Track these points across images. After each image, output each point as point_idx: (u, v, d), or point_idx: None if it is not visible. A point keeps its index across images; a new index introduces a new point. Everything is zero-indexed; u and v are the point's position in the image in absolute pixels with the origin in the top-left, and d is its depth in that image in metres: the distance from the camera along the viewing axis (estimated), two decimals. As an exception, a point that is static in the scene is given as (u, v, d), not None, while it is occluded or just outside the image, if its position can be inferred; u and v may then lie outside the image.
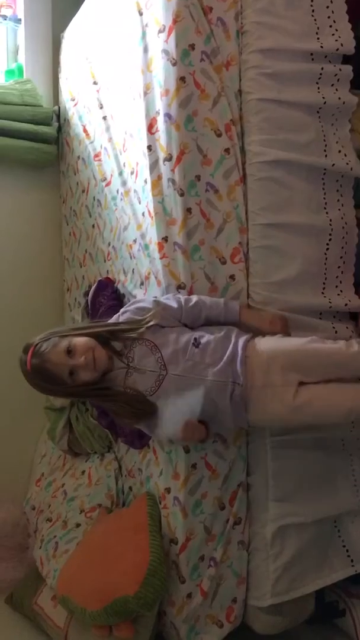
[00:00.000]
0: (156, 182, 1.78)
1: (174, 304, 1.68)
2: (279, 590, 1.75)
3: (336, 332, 1.80)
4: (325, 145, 1.84)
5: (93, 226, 2.34)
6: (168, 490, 1.79)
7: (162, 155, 1.78)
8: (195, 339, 1.63)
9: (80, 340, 1.63)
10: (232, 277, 1.76)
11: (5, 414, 2.63)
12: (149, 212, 1.83)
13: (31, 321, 2.68)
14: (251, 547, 1.80)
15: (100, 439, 2.16)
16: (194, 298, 1.69)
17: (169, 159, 1.75)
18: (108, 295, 2.15)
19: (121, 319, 1.71)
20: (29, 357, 1.62)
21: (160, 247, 1.77)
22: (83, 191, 2.42)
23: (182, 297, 1.70)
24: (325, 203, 1.84)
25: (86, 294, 2.30)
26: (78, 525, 2.08)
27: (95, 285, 2.23)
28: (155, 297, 1.75)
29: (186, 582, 1.74)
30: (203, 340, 1.62)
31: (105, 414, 2.07)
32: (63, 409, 2.29)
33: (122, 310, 1.74)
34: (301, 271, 1.78)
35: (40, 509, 2.33)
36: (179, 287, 1.74)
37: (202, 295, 1.71)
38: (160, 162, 1.78)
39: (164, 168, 1.77)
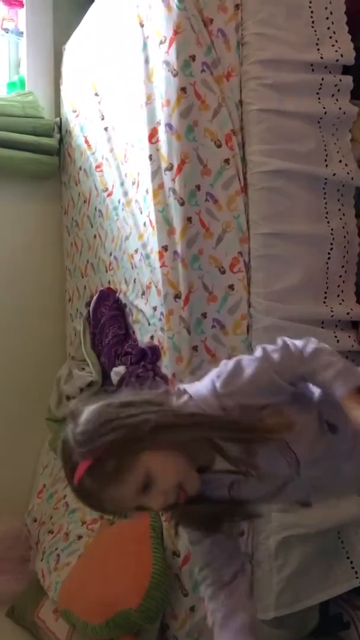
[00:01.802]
0: (157, 191, 1.79)
1: (292, 359, 1.12)
2: (283, 603, 1.73)
3: (338, 341, 1.79)
4: (326, 155, 1.85)
5: (95, 236, 2.35)
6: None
7: (163, 164, 1.78)
8: (326, 421, 1.14)
9: (165, 469, 1.04)
10: (231, 286, 1.76)
11: (7, 425, 2.62)
12: (150, 221, 1.84)
13: (33, 331, 2.69)
14: (255, 558, 1.78)
15: (102, 449, 2.15)
16: (313, 343, 1.14)
17: (169, 168, 1.76)
18: (110, 305, 2.15)
19: (227, 401, 1.08)
20: (80, 472, 1.02)
21: (161, 255, 1.77)
22: (85, 202, 2.43)
23: (295, 341, 1.15)
24: (327, 212, 1.84)
25: (88, 304, 2.31)
26: (80, 537, 2.07)
27: (97, 295, 2.24)
28: (264, 347, 1.14)
29: (189, 595, 1.72)
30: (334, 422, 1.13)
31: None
32: (64, 420, 2.27)
33: (223, 377, 1.10)
34: (303, 280, 1.77)
35: (42, 520, 2.32)
36: (176, 297, 1.74)
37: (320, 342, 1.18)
38: (162, 171, 1.79)
39: (165, 177, 1.78)
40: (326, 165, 1.83)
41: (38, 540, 2.27)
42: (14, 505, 2.51)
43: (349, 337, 1.82)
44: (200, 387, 1.14)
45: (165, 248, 1.78)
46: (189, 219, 1.75)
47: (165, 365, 1.84)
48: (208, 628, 1.75)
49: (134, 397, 1.09)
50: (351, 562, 1.83)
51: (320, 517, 1.73)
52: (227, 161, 1.77)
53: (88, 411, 1.07)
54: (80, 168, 2.48)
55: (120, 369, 2.01)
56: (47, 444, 2.51)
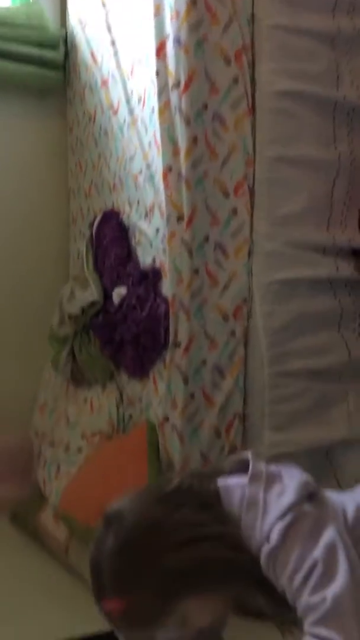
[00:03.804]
0: (163, 109, 1.76)
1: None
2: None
3: (337, 269, 1.81)
4: (338, 77, 1.80)
5: (99, 156, 2.32)
6: (167, 418, 1.85)
7: (170, 81, 1.74)
8: None
9: (205, 611, 0.98)
10: (234, 210, 1.76)
11: (11, 343, 2.67)
12: (156, 141, 1.82)
13: (36, 252, 2.70)
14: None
15: (103, 368, 2.21)
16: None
17: (177, 85, 1.72)
18: (113, 227, 2.16)
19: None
20: (109, 608, 0.96)
21: (165, 176, 1.76)
22: (90, 120, 2.38)
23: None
24: (335, 137, 1.81)
25: (91, 225, 2.31)
26: (80, 449, 2.16)
27: (100, 216, 2.24)
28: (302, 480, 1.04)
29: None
30: None
31: (109, 343, 2.12)
32: (67, 339, 2.33)
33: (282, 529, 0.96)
34: (306, 206, 1.77)
35: (44, 434, 2.41)
36: (179, 219, 1.74)
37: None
38: (169, 88, 1.75)
39: (172, 95, 1.74)
40: (337, 88, 1.78)
41: (40, 452, 2.37)
42: (17, 420, 2.60)
43: (349, 265, 1.83)
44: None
45: (169, 169, 1.77)
46: (195, 140, 1.73)
47: (166, 287, 1.87)
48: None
49: (194, 517, 0.98)
50: (338, 482, 1.92)
51: (310, 436, 1.80)
52: (235, 80, 1.72)
53: (131, 530, 0.97)
54: (85, 84, 2.41)
55: (121, 290, 2.04)
56: (49, 362, 2.57)
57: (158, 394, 1.90)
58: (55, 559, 2.04)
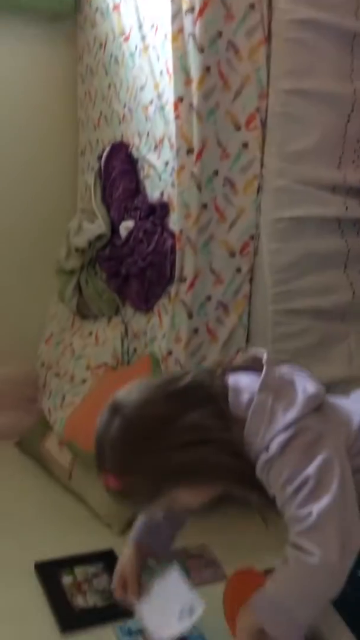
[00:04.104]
0: (176, 36, 1.70)
1: None
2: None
3: (347, 208, 1.79)
4: (358, 7, 1.73)
5: (109, 86, 2.26)
6: (170, 352, 1.88)
7: (184, 6, 1.68)
8: None
9: (192, 498, 1.11)
10: (245, 144, 1.73)
11: (18, 276, 2.69)
12: (167, 69, 1.77)
13: (44, 184, 2.68)
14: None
15: (108, 302, 2.23)
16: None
17: (191, 10, 1.66)
18: (121, 159, 2.13)
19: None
20: (107, 483, 1.10)
21: (176, 107, 1.73)
22: (100, 47, 2.31)
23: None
24: (352, 71, 1.76)
25: (100, 157, 2.28)
26: (84, 380, 2.21)
27: (108, 148, 2.20)
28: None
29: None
30: None
31: (115, 277, 2.13)
32: (73, 272, 2.34)
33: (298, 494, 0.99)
34: (319, 142, 1.74)
35: (50, 365, 2.46)
36: (189, 151, 1.72)
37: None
38: (183, 13, 1.69)
39: (186, 20, 1.68)
40: (356, 18, 1.72)
41: (45, 383, 2.43)
42: (24, 351, 2.64)
43: (358, 205, 1.82)
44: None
45: (180, 99, 1.73)
46: (208, 69, 1.68)
47: (174, 221, 1.86)
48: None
49: (200, 421, 1.03)
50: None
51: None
52: (252, 6, 1.66)
53: (137, 421, 1.04)
54: (96, 9, 2.33)
55: (128, 224, 2.03)
56: (55, 295, 2.59)
57: (162, 328, 1.92)
58: (59, 483, 2.12)
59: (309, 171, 1.75)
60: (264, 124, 1.74)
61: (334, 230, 1.82)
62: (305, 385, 1.08)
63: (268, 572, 1.18)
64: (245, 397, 1.06)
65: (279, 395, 1.05)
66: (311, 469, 0.96)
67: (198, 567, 1.74)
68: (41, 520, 1.95)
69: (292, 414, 1.02)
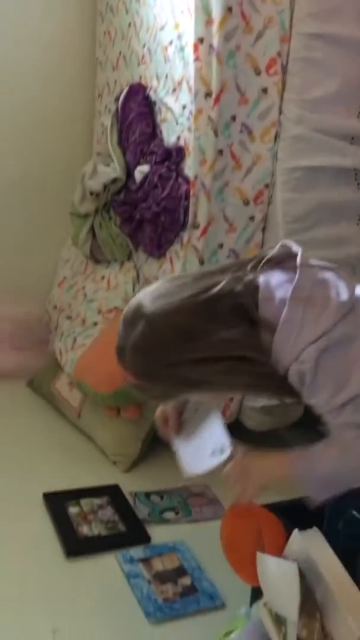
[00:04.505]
0: (198, -27, 1.66)
1: None
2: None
3: (365, 159, 1.77)
4: None
5: (129, 25, 2.21)
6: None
7: None
8: None
9: (206, 401, 1.20)
10: (264, 90, 1.71)
11: (33, 219, 2.70)
12: (189, 9, 1.73)
13: (60, 127, 2.65)
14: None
15: (121, 246, 2.24)
16: None
17: None
18: (139, 102, 2.10)
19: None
20: (125, 378, 1.14)
21: (196, 48, 1.70)
22: (121, -17, 2.26)
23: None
24: (378, 16, 1.72)
25: (117, 99, 2.25)
26: (95, 323, 2.24)
27: (126, 90, 2.18)
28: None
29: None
30: None
31: (129, 221, 2.13)
32: (87, 216, 2.34)
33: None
34: (339, 90, 1.70)
35: (62, 308, 2.50)
36: (207, 95, 1.69)
37: None
38: None
39: None
40: None
41: (57, 325, 2.47)
42: (37, 293, 2.68)
43: (376, 156, 1.79)
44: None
45: (201, 40, 1.70)
46: (230, 9, 1.64)
47: (189, 167, 1.85)
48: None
49: (226, 334, 1.01)
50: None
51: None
52: None
53: (155, 329, 1.02)
54: None
55: (144, 168, 2.02)
56: (69, 239, 2.61)
57: (174, 273, 1.94)
58: (68, 422, 2.19)
59: (328, 120, 1.72)
60: (284, 69, 1.71)
61: (350, 181, 1.80)
62: (338, 290, 1.05)
63: (265, 506, 1.24)
64: (275, 302, 1.03)
65: (310, 302, 1.02)
66: (356, 385, 0.99)
67: (199, 504, 1.81)
68: (51, 456, 2.02)
69: (323, 325, 1.01)
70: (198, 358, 1.03)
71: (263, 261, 1.10)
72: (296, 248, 1.12)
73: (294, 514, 1.22)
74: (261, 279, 1.07)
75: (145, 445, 1.99)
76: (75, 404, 2.15)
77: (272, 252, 1.12)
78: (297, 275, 1.05)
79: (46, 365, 2.40)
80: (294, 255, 1.10)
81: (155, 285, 1.11)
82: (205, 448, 1.22)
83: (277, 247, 1.14)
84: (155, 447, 2.02)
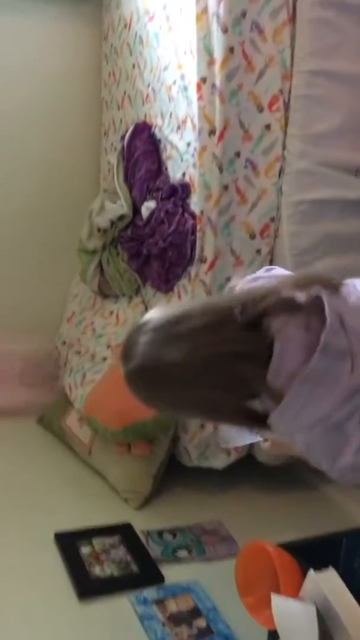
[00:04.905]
0: (201, 16, 1.71)
1: None
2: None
3: (369, 191, 1.79)
4: (384, -14, 1.71)
5: (133, 66, 2.27)
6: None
7: (209, -14, 1.68)
8: None
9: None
10: (267, 126, 1.73)
11: (42, 255, 2.73)
12: (191, 50, 1.77)
13: (68, 164, 2.70)
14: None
15: (129, 282, 2.25)
16: None
17: (215, -10, 1.66)
18: (144, 140, 2.14)
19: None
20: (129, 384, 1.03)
21: (199, 87, 1.73)
22: (125, 26, 2.31)
23: None
24: (377, 52, 1.75)
25: (123, 137, 2.29)
26: (104, 359, 2.24)
27: (132, 128, 2.22)
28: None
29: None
30: None
31: (136, 257, 2.15)
32: (95, 252, 2.37)
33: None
34: (342, 124, 1.73)
35: (71, 343, 2.50)
36: (211, 132, 1.72)
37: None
38: (207, -7, 1.69)
39: (210, 1, 1.68)
40: (383, -3, 1.70)
41: (67, 360, 2.47)
42: (46, 329, 2.69)
43: (381, 187, 1.81)
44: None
45: (204, 80, 1.74)
46: (231, 50, 1.68)
47: (195, 202, 1.87)
48: (214, 443, 1.96)
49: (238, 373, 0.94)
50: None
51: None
52: (277, -14, 1.65)
53: (169, 364, 0.95)
54: (122, -12, 2.33)
55: (150, 204, 2.05)
56: (77, 275, 2.63)
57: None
58: (79, 458, 2.17)
59: (332, 153, 1.75)
60: (287, 105, 1.74)
61: (356, 213, 1.82)
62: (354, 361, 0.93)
63: (280, 545, 1.21)
64: (283, 376, 0.93)
65: (320, 383, 0.93)
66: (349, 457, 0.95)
67: (213, 542, 1.78)
68: (61, 494, 2.00)
69: (324, 407, 0.95)
70: (207, 387, 0.97)
71: (284, 305, 0.96)
72: (325, 295, 0.96)
73: (309, 553, 1.20)
74: (278, 338, 0.94)
75: (157, 482, 1.97)
76: (85, 440, 2.14)
77: (299, 295, 0.98)
78: (316, 356, 0.92)
79: (56, 401, 2.40)
80: (319, 302, 0.95)
81: (183, 312, 1.00)
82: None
83: (308, 293, 0.98)
84: (166, 483, 2.01)
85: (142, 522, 1.84)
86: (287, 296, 0.97)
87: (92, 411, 2.05)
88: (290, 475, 2.07)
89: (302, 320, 0.95)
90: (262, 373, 0.93)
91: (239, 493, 2.01)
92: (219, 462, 1.97)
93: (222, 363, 0.95)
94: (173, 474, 2.03)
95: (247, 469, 2.01)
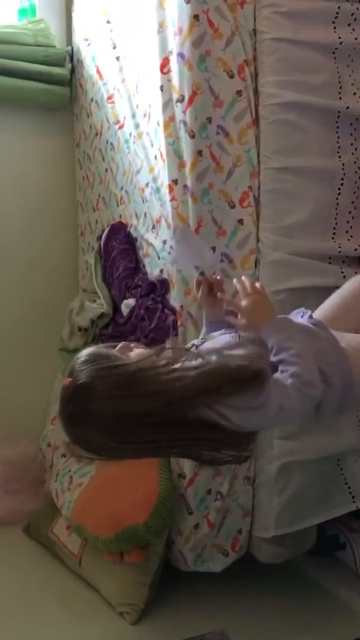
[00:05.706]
0: (168, 123, 1.79)
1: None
2: (282, 523, 1.84)
3: (344, 277, 1.82)
4: (340, 87, 1.82)
5: (106, 170, 2.35)
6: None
7: (174, 96, 1.77)
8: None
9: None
10: (240, 221, 1.78)
11: (23, 355, 2.70)
12: (161, 154, 1.84)
13: (46, 265, 2.73)
14: (257, 482, 1.87)
15: (113, 379, 2.22)
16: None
17: (181, 99, 1.75)
18: (120, 239, 2.18)
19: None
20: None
21: (171, 189, 1.79)
22: (96, 134, 2.42)
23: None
24: (339, 147, 1.83)
25: (99, 238, 2.33)
26: (91, 460, 2.17)
27: (108, 229, 2.26)
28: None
29: (193, 513, 1.83)
30: None
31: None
32: (77, 351, 2.34)
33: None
34: (312, 215, 1.78)
35: (56, 445, 2.43)
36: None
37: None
38: (173, 102, 1.78)
39: (176, 109, 1.77)
40: (340, 98, 1.81)
41: (52, 464, 2.39)
42: (30, 432, 2.62)
43: (356, 272, 1.84)
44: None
45: (175, 182, 1.80)
46: (200, 152, 1.75)
47: (174, 298, 1.88)
48: (210, 544, 1.88)
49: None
50: (349, 488, 1.92)
51: (321, 444, 1.81)
52: (239, 92, 1.75)
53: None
54: (92, 99, 2.45)
55: (130, 301, 2.06)
56: (60, 375, 2.59)
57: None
58: (69, 570, 2.06)
59: (304, 243, 1.79)
60: (257, 200, 1.79)
61: (333, 298, 1.84)
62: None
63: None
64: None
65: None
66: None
67: (216, 655, 1.66)
68: (51, 611, 1.88)
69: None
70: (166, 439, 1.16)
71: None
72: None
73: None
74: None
75: (152, 591, 1.86)
76: (75, 550, 2.03)
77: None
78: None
79: (42, 508, 2.29)
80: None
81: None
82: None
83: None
84: (163, 591, 1.90)
85: (140, 639, 1.72)
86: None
87: (81, 518, 1.96)
88: (291, 572, 1.98)
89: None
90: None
91: (241, 597, 1.90)
92: (217, 564, 1.87)
93: None
94: (169, 581, 1.92)
95: (247, 570, 1.91)
